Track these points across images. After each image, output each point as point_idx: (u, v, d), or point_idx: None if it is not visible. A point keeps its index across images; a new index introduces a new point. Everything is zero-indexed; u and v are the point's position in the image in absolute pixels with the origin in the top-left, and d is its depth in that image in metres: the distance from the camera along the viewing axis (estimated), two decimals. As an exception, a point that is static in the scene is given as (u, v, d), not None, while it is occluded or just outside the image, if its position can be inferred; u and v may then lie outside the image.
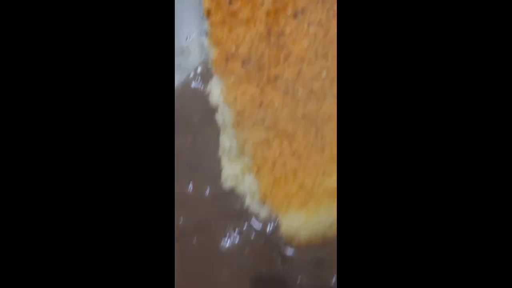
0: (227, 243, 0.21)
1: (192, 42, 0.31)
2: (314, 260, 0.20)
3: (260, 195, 0.20)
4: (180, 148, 0.22)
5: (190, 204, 0.23)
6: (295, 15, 0.22)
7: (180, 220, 0.22)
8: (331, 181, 0.20)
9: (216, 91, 0.23)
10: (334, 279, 0.19)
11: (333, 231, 0.21)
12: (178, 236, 0.19)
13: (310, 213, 0.20)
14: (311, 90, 0.20)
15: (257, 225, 0.21)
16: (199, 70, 0.28)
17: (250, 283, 0.19)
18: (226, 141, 0.22)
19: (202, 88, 0.27)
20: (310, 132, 0.20)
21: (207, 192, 0.22)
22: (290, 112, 0.20)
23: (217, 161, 0.22)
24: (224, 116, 0.23)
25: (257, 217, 0.22)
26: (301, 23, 0.21)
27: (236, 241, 0.21)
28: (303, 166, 0.20)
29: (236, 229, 0.21)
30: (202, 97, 0.25)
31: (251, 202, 0.21)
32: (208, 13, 0.22)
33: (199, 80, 0.28)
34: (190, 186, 0.24)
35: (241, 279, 0.19)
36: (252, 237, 0.20)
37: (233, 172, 0.21)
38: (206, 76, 0.26)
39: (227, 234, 0.21)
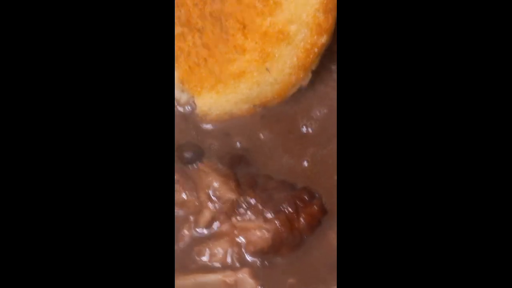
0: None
1: None
2: (222, 131, 0.26)
3: (178, 81, 0.26)
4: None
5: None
6: None
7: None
8: (235, 67, 0.25)
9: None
10: (238, 145, 0.27)
11: (238, 109, 0.27)
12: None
13: (219, 94, 0.26)
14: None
15: (178, 109, 0.27)
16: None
17: (176, 150, 0.25)
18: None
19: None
20: (216, 27, 0.24)
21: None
22: (199, 10, 0.25)
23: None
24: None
25: (178, 102, 0.27)
26: None
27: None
28: (211, 55, 0.25)
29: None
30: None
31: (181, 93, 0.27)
32: None
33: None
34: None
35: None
36: (176, 118, 0.26)
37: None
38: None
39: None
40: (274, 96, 0.27)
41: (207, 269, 0.25)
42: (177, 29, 0.25)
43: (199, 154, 0.27)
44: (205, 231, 0.25)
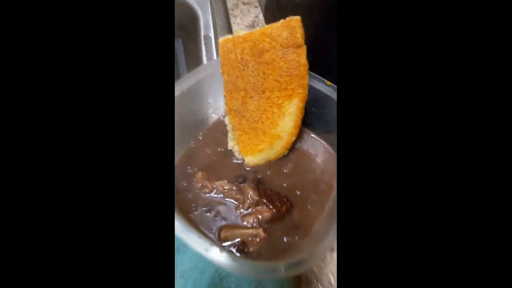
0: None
1: None
2: (253, 170, 0.48)
3: (238, 151, 0.48)
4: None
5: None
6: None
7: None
8: (259, 147, 0.44)
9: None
10: (268, 172, 0.48)
11: (260, 162, 0.47)
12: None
13: (252, 157, 0.46)
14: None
15: (237, 160, 0.50)
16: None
17: (234, 178, 0.46)
18: (230, 143, 0.48)
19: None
20: (252, 133, 0.46)
21: (222, 149, 0.51)
22: (244, 119, 0.49)
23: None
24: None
25: (237, 158, 0.49)
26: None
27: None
28: (251, 142, 0.46)
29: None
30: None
31: (237, 153, 0.48)
32: None
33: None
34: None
35: (230, 177, 0.48)
36: (234, 164, 0.50)
37: (231, 144, 0.48)
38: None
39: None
40: (273, 158, 0.47)
41: (245, 227, 0.43)
42: (235, 119, 0.45)
43: (244, 179, 0.47)
44: (245, 212, 0.44)
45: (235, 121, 0.45)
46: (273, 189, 0.46)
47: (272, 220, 0.43)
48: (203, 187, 0.49)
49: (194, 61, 0.72)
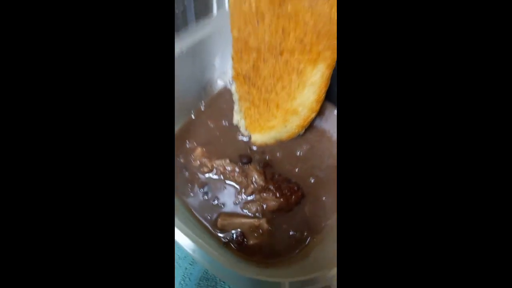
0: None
1: None
2: (260, 150, 0.43)
3: (244, 127, 0.43)
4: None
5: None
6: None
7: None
8: (270, 124, 0.39)
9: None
10: (267, 157, 0.43)
11: (269, 141, 0.41)
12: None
13: (261, 135, 0.42)
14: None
15: (243, 138, 0.45)
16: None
17: (238, 158, 0.42)
18: (236, 116, 0.43)
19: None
20: (263, 106, 0.40)
21: (226, 123, 0.46)
22: (258, 91, 0.40)
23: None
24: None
25: (243, 134, 0.44)
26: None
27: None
28: (260, 118, 0.40)
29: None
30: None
31: (243, 129, 0.43)
32: None
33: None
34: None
35: (233, 156, 0.43)
36: (240, 142, 0.44)
37: (237, 118, 0.43)
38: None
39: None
40: (286, 137, 0.41)
41: (246, 216, 0.38)
42: (243, 88, 0.38)
43: (249, 160, 0.42)
44: (248, 198, 0.39)
45: (243, 89, 0.39)
46: (283, 175, 0.40)
47: (278, 211, 0.39)
48: (202, 165, 0.43)
49: (204, 10, 0.60)
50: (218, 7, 0.51)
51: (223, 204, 0.40)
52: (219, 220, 0.39)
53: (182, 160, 0.43)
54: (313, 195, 0.40)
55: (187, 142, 0.45)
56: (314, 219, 0.38)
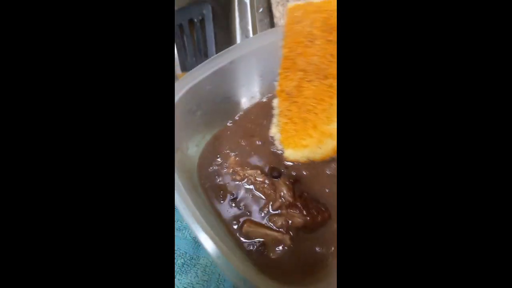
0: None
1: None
2: (291, 166, 0.43)
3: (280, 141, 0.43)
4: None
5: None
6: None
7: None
8: (304, 143, 0.38)
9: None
10: (309, 173, 0.42)
11: (300, 159, 0.41)
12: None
13: (295, 152, 0.39)
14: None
15: (275, 150, 0.45)
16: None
17: (269, 170, 0.43)
18: (273, 129, 0.43)
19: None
20: (300, 124, 0.40)
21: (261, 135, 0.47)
22: (297, 107, 0.41)
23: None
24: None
25: (277, 148, 0.44)
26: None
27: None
28: (296, 135, 0.38)
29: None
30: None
31: (277, 142, 0.42)
32: None
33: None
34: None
35: (265, 168, 0.44)
36: (272, 154, 0.44)
37: (274, 130, 0.42)
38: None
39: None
40: (319, 158, 0.41)
41: (271, 228, 0.39)
42: (284, 104, 0.39)
43: (279, 174, 0.42)
44: (273, 211, 0.40)
45: (284, 105, 0.40)
46: (311, 193, 0.41)
47: (303, 228, 0.39)
48: (234, 173, 0.44)
49: (224, 31, 0.65)
50: (241, 30, 0.55)
51: (249, 213, 0.41)
52: (245, 226, 0.40)
53: (216, 167, 0.45)
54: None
55: (222, 150, 0.46)
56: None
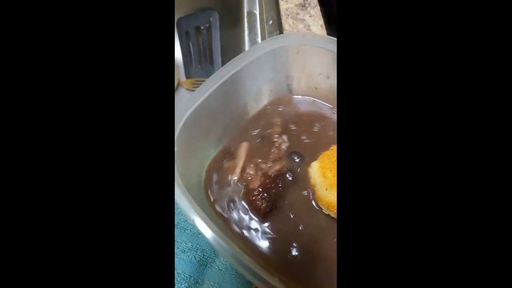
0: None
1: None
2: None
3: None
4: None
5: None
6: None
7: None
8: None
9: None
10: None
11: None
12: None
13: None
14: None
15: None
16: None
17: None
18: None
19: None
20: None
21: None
22: None
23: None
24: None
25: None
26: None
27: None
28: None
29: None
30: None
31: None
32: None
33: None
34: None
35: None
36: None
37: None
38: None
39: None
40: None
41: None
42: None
43: (300, 156, 0.41)
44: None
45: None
46: (285, 191, 0.39)
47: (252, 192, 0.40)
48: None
49: (231, 39, 0.64)
50: (250, 41, 0.54)
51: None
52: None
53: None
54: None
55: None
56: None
